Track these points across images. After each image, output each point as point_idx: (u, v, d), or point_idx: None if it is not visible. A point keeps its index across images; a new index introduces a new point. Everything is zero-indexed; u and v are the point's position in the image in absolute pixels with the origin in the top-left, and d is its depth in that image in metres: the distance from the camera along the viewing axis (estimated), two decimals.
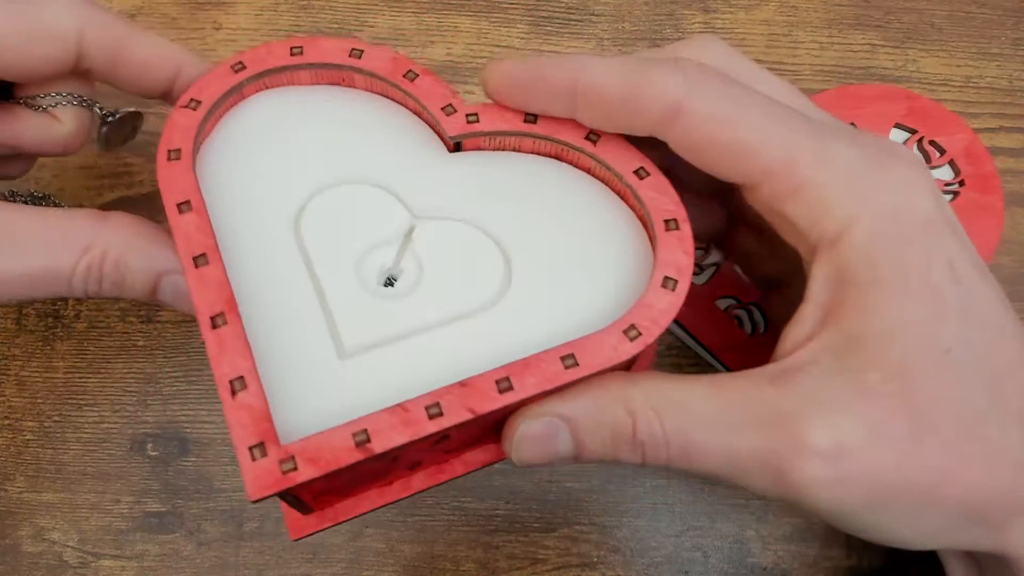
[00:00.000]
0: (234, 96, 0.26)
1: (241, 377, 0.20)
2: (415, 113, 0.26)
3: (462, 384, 0.20)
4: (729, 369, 0.29)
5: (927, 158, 0.31)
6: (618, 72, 0.20)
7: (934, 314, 0.17)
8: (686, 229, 0.22)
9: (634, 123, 0.20)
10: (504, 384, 0.20)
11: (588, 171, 0.24)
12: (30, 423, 0.30)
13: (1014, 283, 0.32)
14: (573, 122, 0.23)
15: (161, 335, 0.31)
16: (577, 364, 0.20)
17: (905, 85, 0.34)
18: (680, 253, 0.22)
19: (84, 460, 0.30)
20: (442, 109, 0.25)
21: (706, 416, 0.18)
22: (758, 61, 0.34)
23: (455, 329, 0.23)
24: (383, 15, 0.34)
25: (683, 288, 0.21)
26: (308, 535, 0.23)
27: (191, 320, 0.31)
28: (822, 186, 0.18)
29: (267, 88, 0.26)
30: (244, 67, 0.25)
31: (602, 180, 0.24)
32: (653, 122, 0.20)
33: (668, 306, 0.21)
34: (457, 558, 0.29)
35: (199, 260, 0.21)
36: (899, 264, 0.17)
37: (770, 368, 0.18)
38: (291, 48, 0.25)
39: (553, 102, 0.21)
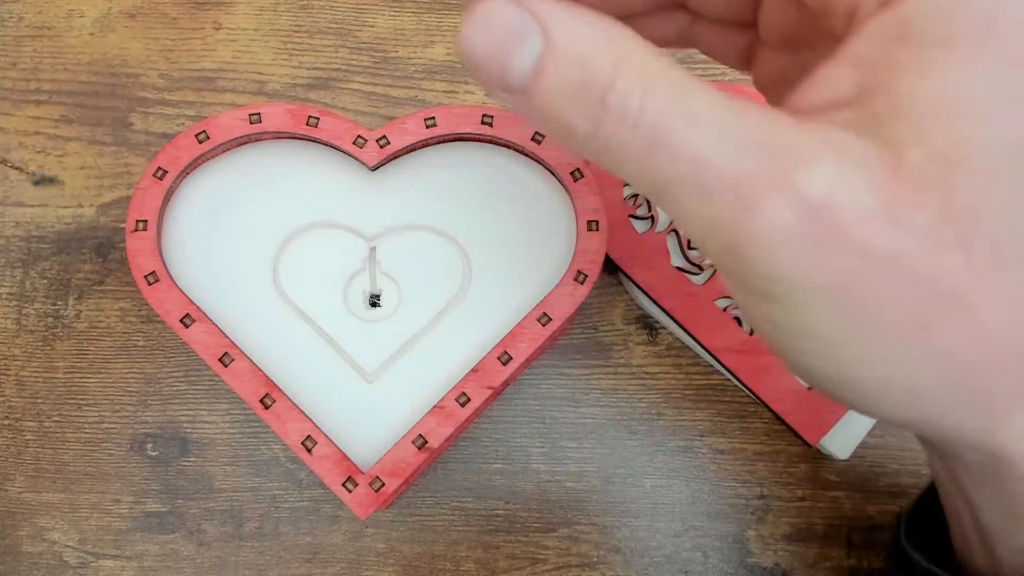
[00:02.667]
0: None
1: (308, 436, 0.24)
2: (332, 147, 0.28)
3: (474, 370, 0.25)
4: (730, 371, 0.29)
5: None
6: None
7: (1021, 97, 0.12)
8: (588, 174, 0.26)
9: None
10: (505, 357, 0.25)
11: (491, 143, 0.27)
12: (30, 423, 0.30)
13: None
14: (469, 113, 0.26)
15: (161, 335, 0.31)
16: (551, 319, 0.26)
17: None
18: (591, 196, 0.26)
19: (84, 460, 0.30)
20: (353, 143, 0.27)
21: (700, 115, 0.13)
22: None
23: (442, 324, 0.26)
24: (383, 15, 0.34)
25: (604, 226, 0.26)
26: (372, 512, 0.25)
27: None
28: None
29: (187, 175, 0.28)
30: (165, 172, 0.27)
31: (508, 148, 0.27)
32: None
33: (599, 244, 0.25)
34: (457, 558, 0.29)
35: (225, 359, 0.25)
36: (987, 22, 0.12)
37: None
38: (196, 135, 0.27)
39: None
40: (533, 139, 0.26)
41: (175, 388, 0.30)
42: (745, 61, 0.20)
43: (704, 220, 0.13)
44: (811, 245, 0.13)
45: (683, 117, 0.13)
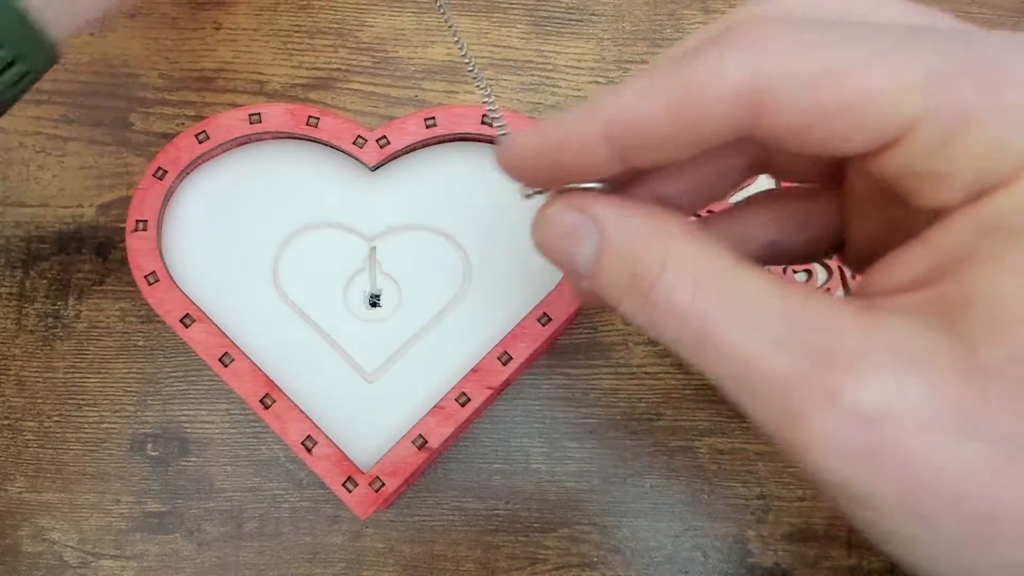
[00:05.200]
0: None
1: (308, 436, 0.24)
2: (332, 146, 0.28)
3: (474, 370, 0.25)
4: None
5: None
6: (657, 86, 0.14)
7: None
8: None
9: (705, 135, 0.14)
10: (505, 357, 0.25)
11: (491, 142, 0.27)
12: (30, 423, 0.30)
13: None
14: (469, 113, 0.26)
15: (161, 335, 0.31)
16: (551, 319, 0.25)
17: None
18: None
19: (84, 460, 0.30)
20: (353, 143, 0.27)
21: (749, 313, 0.13)
22: None
23: (443, 324, 0.26)
24: (383, 15, 0.34)
25: None
26: (373, 512, 0.25)
27: None
28: (991, 124, 0.12)
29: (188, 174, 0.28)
30: (166, 172, 0.27)
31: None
32: (728, 124, 0.14)
33: None
34: (457, 558, 0.29)
35: (225, 359, 0.25)
36: None
37: (856, 300, 0.14)
38: (196, 135, 0.27)
39: (590, 160, 0.15)
40: None
41: (175, 388, 0.30)
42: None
43: (758, 417, 0.13)
44: (868, 458, 0.12)
45: (732, 316, 0.13)
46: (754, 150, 0.17)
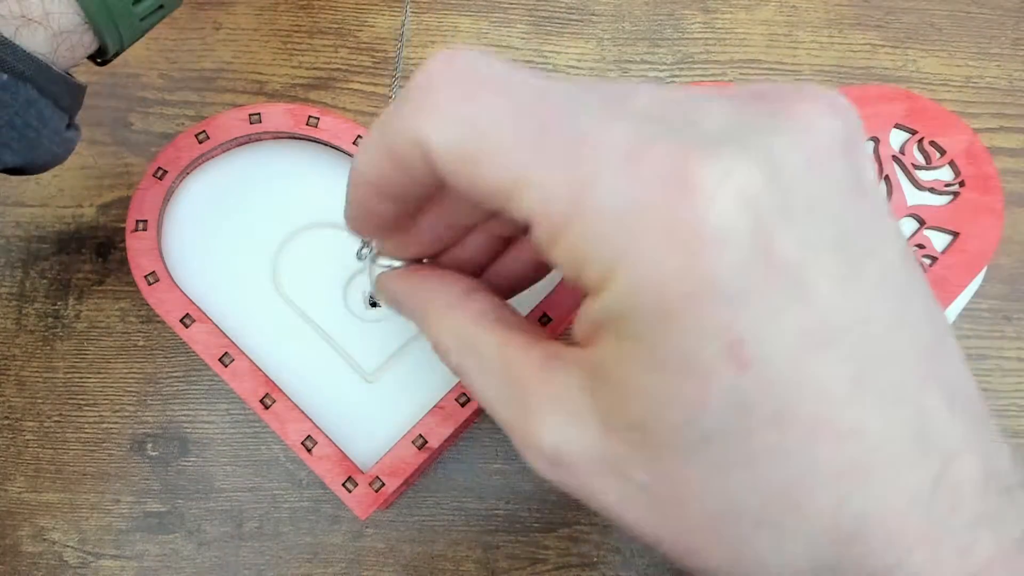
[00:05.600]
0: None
1: (308, 436, 0.24)
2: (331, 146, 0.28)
3: None
4: None
5: (927, 158, 0.31)
6: (376, 142, 0.16)
7: (687, 401, 0.13)
8: None
9: (422, 180, 0.15)
10: None
11: None
12: (30, 423, 0.30)
13: (1014, 283, 0.32)
14: None
15: (161, 335, 0.31)
16: (551, 319, 0.25)
17: (905, 85, 0.34)
18: None
19: (84, 460, 0.30)
20: (353, 143, 0.27)
21: (485, 371, 0.17)
22: (758, 61, 0.35)
23: None
24: (383, 15, 0.34)
25: None
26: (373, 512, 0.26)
27: None
28: (576, 234, 0.13)
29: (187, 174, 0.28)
30: (165, 172, 0.27)
31: None
32: (429, 173, 0.15)
33: None
34: (457, 558, 0.29)
35: (225, 359, 0.25)
36: (654, 336, 0.13)
37: (551, 347, 0.16)
38: (196, 135, 0.27)
39: (385, 209, 0.17)
40: None
41: (175, 388, 0.30)
42: None
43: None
44: (559, 480, 0.15)
45: (478, 375, 0.17)
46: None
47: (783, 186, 0.12)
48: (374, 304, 0.27)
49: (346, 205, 0.18)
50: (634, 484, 0.14)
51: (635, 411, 0.14)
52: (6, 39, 0.21)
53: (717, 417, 0.13)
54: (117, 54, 0.25)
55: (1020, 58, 0.34)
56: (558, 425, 0.15)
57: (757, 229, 0.12)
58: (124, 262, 0.31)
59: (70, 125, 0.24)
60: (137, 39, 0.24)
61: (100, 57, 0.25)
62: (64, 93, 0.23)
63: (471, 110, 0.14)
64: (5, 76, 0.21)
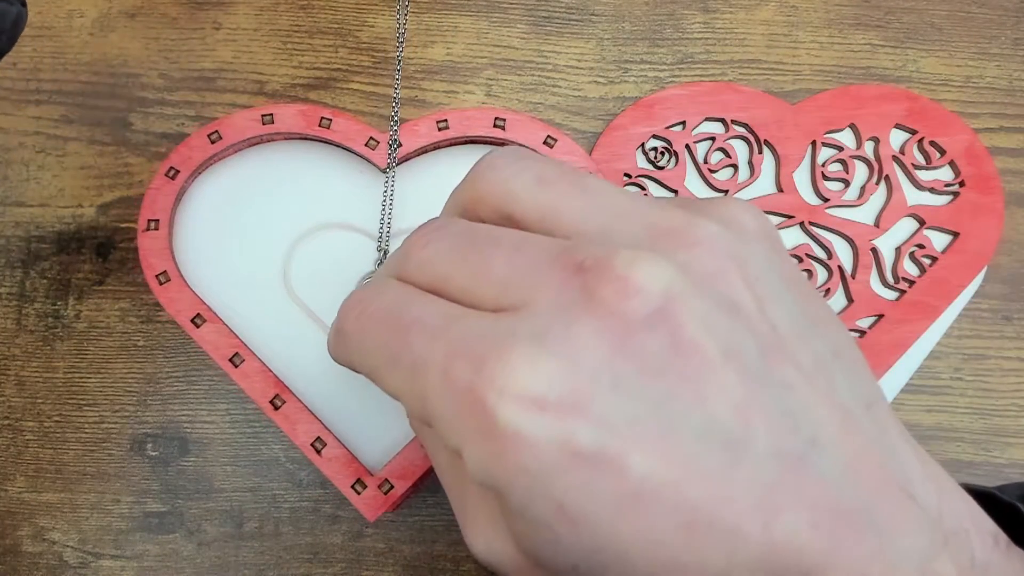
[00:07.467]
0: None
1: (318, 437, 0.24)
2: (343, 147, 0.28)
3: None
4: None
5: (927, 158, 0.31)
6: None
7: (547, 544, 0.14)
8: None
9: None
10: None
11: (503, 145, 0.27)
12: (30, 423, 0.30)
13: (1014, 283, 0.32)
14: (480, 116, 0.26)
15: (161, 335, 0.31)
16: None
17: (905, 85, 0.34)
18: None
19: (84, 460, 0.30)
20: (365, 145, 0.27)
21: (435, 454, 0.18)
22: (758, 61, 0.35)
23: None
24: (383, 15, 0.34)
25: None
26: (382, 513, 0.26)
27: None
28: (434, 420, 0.15)
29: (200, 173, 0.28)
30: (177, 172, 0.27)
31: None
32: None
33: None
34: (457, 558, 0.29)
35: (235, 360, 0.25)
36: (501, 502, 0.14)
37: None
38: (208, 135, 0.27)
39: None
40: (545, 142, 0.26)
41: (175, 388, 0.30)
42: None
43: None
44: None
45: (429, 446, 0.18)
46: None
47: (584, 376, 0.13)
48: None
49: (338, 336, 0.18)
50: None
51: (521, 544, 0.15)
52: None
53: (574, 560, 0.14)
54: None
55: (1020, 58, 0.34)
56: (485, 538, 0.16)
57: (552, 426, 0.13)
58: (124, 262, 0.31)
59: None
60: None
61: None
62: None
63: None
64: None
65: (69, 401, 0.30)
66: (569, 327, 0.13)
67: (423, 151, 0.27)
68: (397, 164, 0.27)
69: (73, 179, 0.32)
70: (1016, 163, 0.33)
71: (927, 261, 0.30)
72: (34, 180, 0.32)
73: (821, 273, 0.30)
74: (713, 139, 0.31)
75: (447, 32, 0.34)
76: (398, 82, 0.22)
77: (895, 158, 0.31)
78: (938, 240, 0.30)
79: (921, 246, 0.30)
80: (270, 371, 0.25)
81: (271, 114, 0.26)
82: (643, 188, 0.31)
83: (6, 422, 0.30)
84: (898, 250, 0.30)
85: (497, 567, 0.16)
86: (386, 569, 0.29)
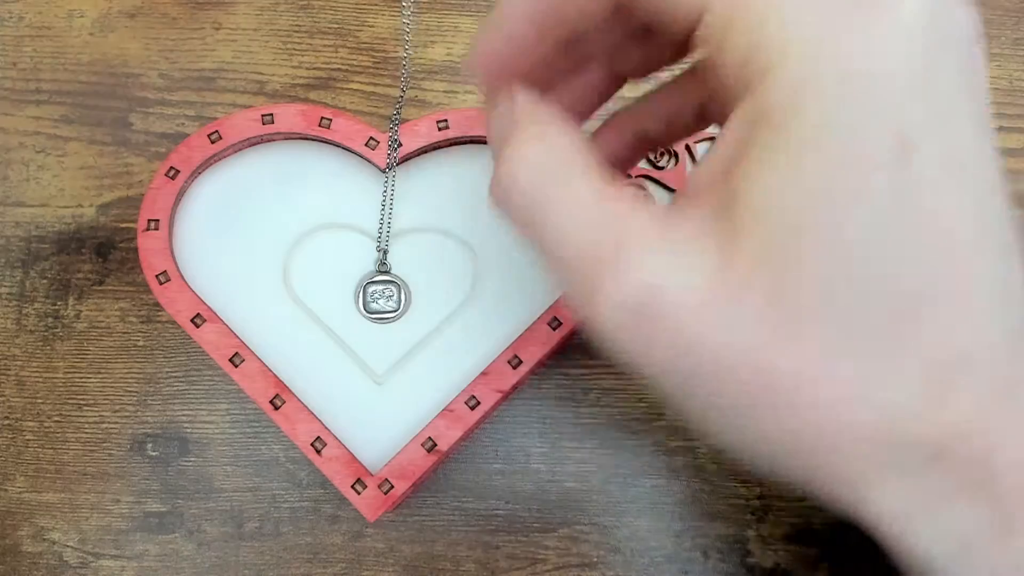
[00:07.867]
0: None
1: (318, 437, 0.24)
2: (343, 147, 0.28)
3: (484, 373, 0.25)
4: None
5: None
6: None
7: (847, 190, 0.13)
8: None
9: (587, 8, 0.16)
10: (515, 361, 0.25)
11: None
12: (30, 423, 0.30)
13: None
14: (481, 116, 0.26)
15: (161, 335, 0.31)
16: (561, 323, 0.25)
17: None
18: None
19: (84, 460, 0.30)
20: (365, 145, 0.27)
21: (576, 199, 0.15)
22: None
23: (453, 326, 0.26)
24: (383, 15, 0.34)
25: None
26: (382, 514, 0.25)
27: None
28: (754, 13, 0.13)
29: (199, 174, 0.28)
30: (178, 172, 0.27)
31: None
32: None
33: None
34: (457, 558, 0.29)
35: (235, 360, 0.25)
36: (825, 116, 0.13)
37: (675, 201, 0.15)
38: (208, 135, 0.27)
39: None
40: None
41: (175, 388, 0.30)
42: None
43: (568, 294, 0.15)
44: (638, 333, 0.14)
45: (561, 198, 0.15)
46: (697, 91, 0.19)
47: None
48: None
49: (483, 37, 0.16)
50: (748, 317, 0.13)
51: (775, 217, 0.13)
52: None
53: (868, 215, 0.12)
54: None
55: (1020, 58, 0.34)
56: (660, 263, 0.13)
57: (934, 26, 0.12)
58: (124, 262, 0.31)
59: None
60: None
61: None
62: None
63: None
64: None
65: (69, 401, 0.30)
66: None
67: (423, 151, 0.27)
68: (397, 164, 0.27)
69: (73, 179, 0.32)
70: (1016, 163, 0.33)
71: None
72: (34, 180, 0.32)
73: None
74: (713, 139, 0.31)
75: (447, 32, 0.34)
76: (404, 82, 0.22)
77: None
78: None
79: None
80: (270, 371, 0.25)
81: (271, 114, 0.26)
82: (643, 188, 0.31)
83: (6, 422, 0.30)
84: None
85: (657, 302, 0.13)
86: (386, 569, 0.29)
